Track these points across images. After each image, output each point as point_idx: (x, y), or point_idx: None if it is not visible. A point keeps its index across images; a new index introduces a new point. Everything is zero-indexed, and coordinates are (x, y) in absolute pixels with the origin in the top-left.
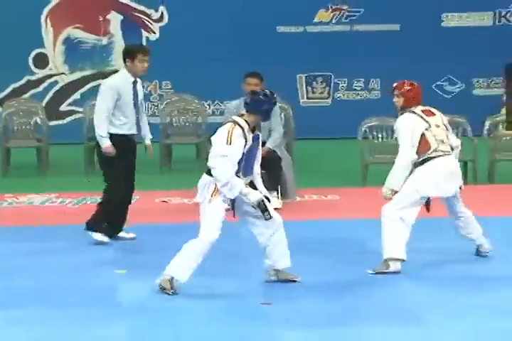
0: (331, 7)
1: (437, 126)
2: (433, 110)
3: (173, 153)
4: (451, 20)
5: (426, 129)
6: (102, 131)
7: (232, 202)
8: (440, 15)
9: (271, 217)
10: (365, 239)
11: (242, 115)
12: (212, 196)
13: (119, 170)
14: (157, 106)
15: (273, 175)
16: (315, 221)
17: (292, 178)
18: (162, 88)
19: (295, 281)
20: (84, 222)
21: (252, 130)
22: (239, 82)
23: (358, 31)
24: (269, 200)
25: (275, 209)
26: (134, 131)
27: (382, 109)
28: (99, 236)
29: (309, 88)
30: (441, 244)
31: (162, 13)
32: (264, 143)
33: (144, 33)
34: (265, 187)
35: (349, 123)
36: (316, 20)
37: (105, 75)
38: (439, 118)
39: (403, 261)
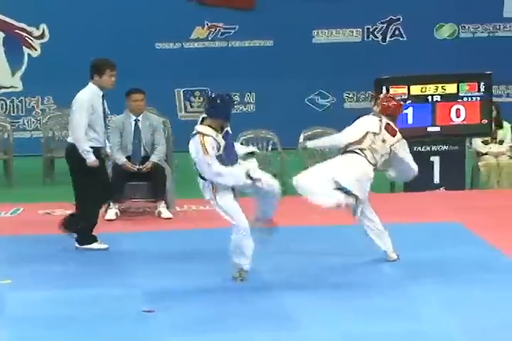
0: (207, 24)
1: (384, 141)
2: (397, 132)
3: (55, 166)
4: (322, 36)
5: (373, 133)
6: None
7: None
8: (311, 32)
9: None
10: None
11: (203, 120)
12: (214, 192)
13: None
14: (39, 120)
15: (159, 186)
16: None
17: (172, 189)
18: (44, 103)
19: None
20: (53, 232)
21: (221, 129)
22: (119, 96)
23: (233, 47)
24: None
25: (167, 218)
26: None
27: (257, 122)
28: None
29: (187, 102)
30: (326, 250)
31: (43, 30)
32: (148, 158)
33: (26, 50)
34: (152, 197)
35: None
36: (192, 36)
37: None
38: (394, 140)
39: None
